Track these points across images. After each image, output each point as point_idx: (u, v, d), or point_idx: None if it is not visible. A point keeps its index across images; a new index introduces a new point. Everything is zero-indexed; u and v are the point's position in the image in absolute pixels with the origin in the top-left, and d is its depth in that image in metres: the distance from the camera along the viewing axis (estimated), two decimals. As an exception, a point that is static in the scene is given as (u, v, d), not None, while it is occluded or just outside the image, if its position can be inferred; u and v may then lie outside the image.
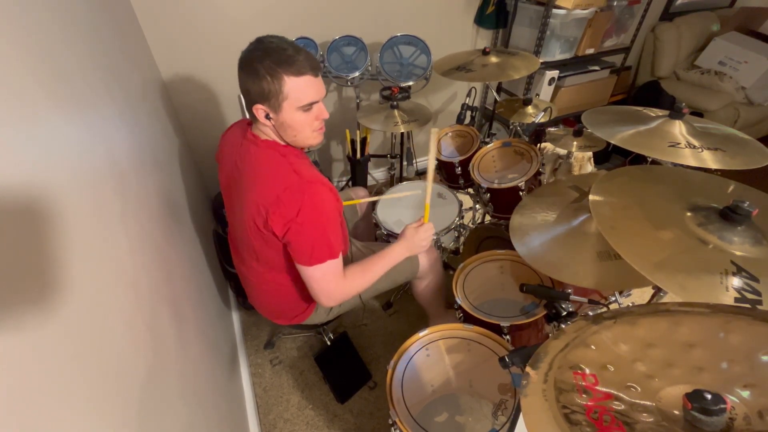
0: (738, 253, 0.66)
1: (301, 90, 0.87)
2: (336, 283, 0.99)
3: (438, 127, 1.40)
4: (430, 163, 1.07)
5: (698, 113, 2.44)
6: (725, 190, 0.84)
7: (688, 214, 0.74)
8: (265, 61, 0.83)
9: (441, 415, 0.85)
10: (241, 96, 0.93)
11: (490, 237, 1.61)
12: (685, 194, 0.80)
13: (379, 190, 2.30)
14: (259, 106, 0.88)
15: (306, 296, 1.13)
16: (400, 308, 1.73)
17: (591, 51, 2.20)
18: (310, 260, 0.92)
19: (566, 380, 0.42)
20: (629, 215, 0.77)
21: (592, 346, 0.46)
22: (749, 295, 0.59)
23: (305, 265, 0.94)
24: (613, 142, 1.00)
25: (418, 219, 1.14)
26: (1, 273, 0.36)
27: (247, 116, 0.99)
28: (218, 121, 1.89)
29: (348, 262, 1.06)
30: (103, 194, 0.67)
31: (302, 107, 0.89)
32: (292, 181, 0.88)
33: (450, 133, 1.76)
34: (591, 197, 0.82)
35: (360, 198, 1.54)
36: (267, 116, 0.90)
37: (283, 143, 0.96)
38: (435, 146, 1.25)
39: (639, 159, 1.18)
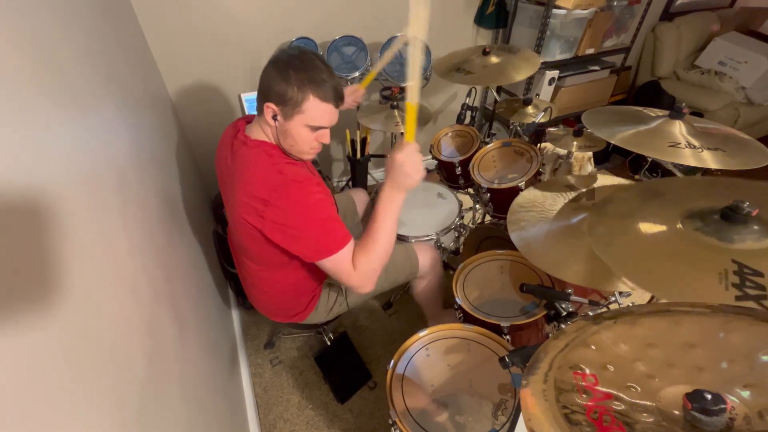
0: (739, 249, 0.65)
1: (318, 113, 0.89)
2: (355, 266, 0.93)
3: (438, 128, 1.37)
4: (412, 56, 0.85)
5: (698, 113, 2.44)
6: (722, 191, 0.83)
7: (685, 219, 0.74)
8: (301, 73, 0.85)
9: (441, 415, 0.85)
10: (258, 90, 0.92)
11: (490, 237, 1.61)
12: (681, 200, 0.79)
13: (379, 189, 2.30)
14: (272, 104, 0.89)
15: (305, 296, 1.14)
16: (400, 308, 1.73)
17: (591, 51, 2.20)
18: (316, 255, 0.91)
19: (566, 380, 0.42)
20: (626, 235, 0.76)
21: (592, 346, 0.46)
22: (752, 291, 0.58)
23: (314, 260, 0.92)
24: (613, 142, 1.00)
25: (398, 142, 0.92)
26: (0, 273, 0.36)
27: (247, 113, 0.98)
28: (218, 121, 1.89)
29: None
30: (103, 194, 0.67)
31: (312, 127, 0.91)
32: (276, 182, 0.88)
33: (450, 133, 1.76)
34: (589, 226, 0.82)
35: (361, 204, 1.54)
36: (274, 117, 0.90)
37: (273, 143, 0.96)
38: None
39: (639, 159, 1.18)
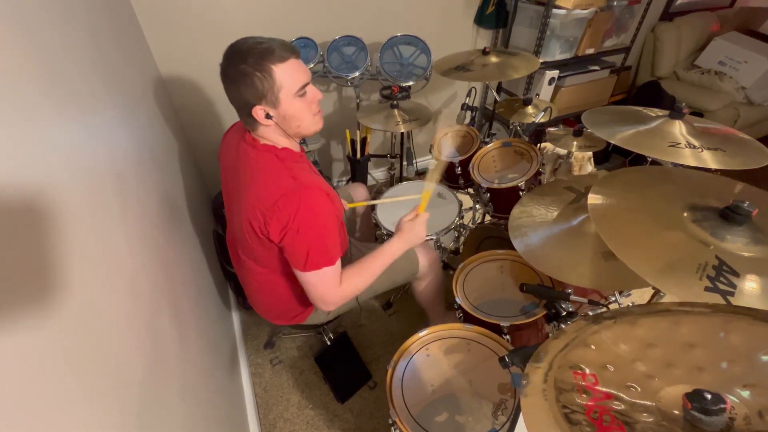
0: (727, 248, 0.67)
1: (291, 75, 0.87)
2: (332, 289, 0.99)
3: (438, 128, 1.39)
4: (437, 158, 1.05)
5: (698, 113, 2.44)
6: (728, 190, 0.84)
7: (687, 209, 0.75)
8: (248, 59, 0.83)
9: (441, 415, 0.85)
10: (238, 109, 0.92)
11: (490, 237, 1.61)
12: (685, 194, 0.80)
13: (379, 189, 2.30)
14: (257, 107, 0.88)
15: (305, 297, 1.13)
16: (400, 308, 1.73)
17: (591, 51, 2.20)
18: (305, 266, 0.92)
19: (566, 380, 0.42)
20: (626, 211, 0.79)
21: (592, 346, 0.46)
22: (722, 286, 0.61)
23: (301, 270, 0.94)
24: (613, 142, 1.00)
25: (412, 209, 1.12)
26: (0, 273, 0.36)
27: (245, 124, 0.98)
28: (218, 121, 1.89)
29: (347, 263, 1.05)
30: (103, 194, 0.67)
31: (298, 92, 0.89)
32: (289, 187, 0.88)
33: (450, 133, 1.76)
34: (590, 196, 0.83)
35: (359, 199, 1.54)
36: (267, 116, 0.89)
37: (281, 146, 0.96)
38: (442, 146, 1.21)
39: (639, 159, 1.18)
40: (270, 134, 0.95)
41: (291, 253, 0.92)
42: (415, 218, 1.10)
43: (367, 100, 2.18)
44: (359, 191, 1.56)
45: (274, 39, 0.87)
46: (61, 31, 0.70)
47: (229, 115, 1.90)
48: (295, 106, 0.90)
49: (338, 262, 0.97)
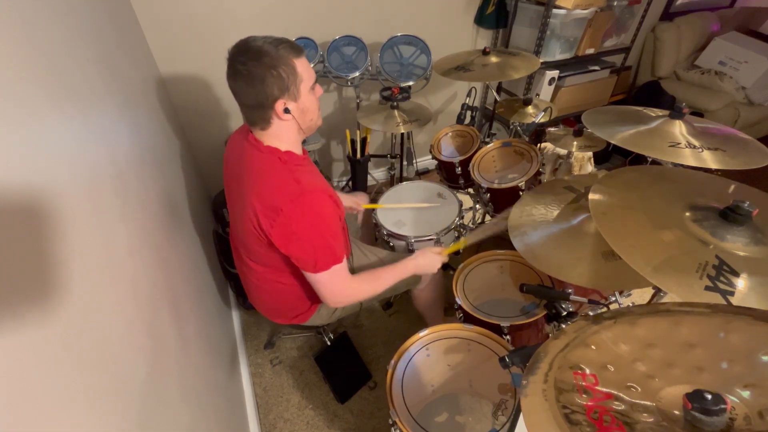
0: (727, 248, 0.67)
1: (306, 69, 0.90)
2: (343, 286, 1.00)
3: (438, 128, 1.39)
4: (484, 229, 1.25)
5: (698, 113, 2.44)
6: (729, 190, 0.84)
7: (687, 209, 0.75)
8: (270, 54, 0.83)
9: (441, 415, 0.85)
10: (253, 107, 0.89)
11: (490, 237, 1.61)
12: (685, 194, 0.80)
13: (379, 189, 2.30)
14: (280, 101, 0.87)
15: (307, 297, 1.14)
16: (400, 308, 1.73)
17: (591, 51, 2.20)
18: (315, 268, 0.93)
19: (566, 380, 0.42)
20: (627, 209, 0.79)
21: (592, 346, 0.46)
22: (722, 286, 0.62)
23: (311, 272, 0.94)
24: (613, 142, 1.00)
25: (442, 246, 1.26)
26: (0, 273, 0.36)
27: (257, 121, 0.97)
28: (218, 120, 1.89)
29: (349, 265, 1.06)
30: (103, 194, 0.67)
31: (312, 86, 0.93)
32: (292, 191, 0.88)
33: (450, 133, 1.76)
34: (592, 191, 0.83)
35: (364, 203, 1.54)
36: (286, 110, 0.89)
37: (284, 150, 0.95)
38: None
39: (639, 159, 1.18)
40: (281, 132, 0.93)
41: (299, 258, 0.93)
42: (438, 254, 1.19)
43: (367, 100, 2.18)
44: (361, 199, 1.56)
45: (277, 37, 0.88)
46: (62, 30, 0.70)
47: (229, 115, 1.91)
48: (310, 99, 0.93)
49: (345, 260, 0.98)
